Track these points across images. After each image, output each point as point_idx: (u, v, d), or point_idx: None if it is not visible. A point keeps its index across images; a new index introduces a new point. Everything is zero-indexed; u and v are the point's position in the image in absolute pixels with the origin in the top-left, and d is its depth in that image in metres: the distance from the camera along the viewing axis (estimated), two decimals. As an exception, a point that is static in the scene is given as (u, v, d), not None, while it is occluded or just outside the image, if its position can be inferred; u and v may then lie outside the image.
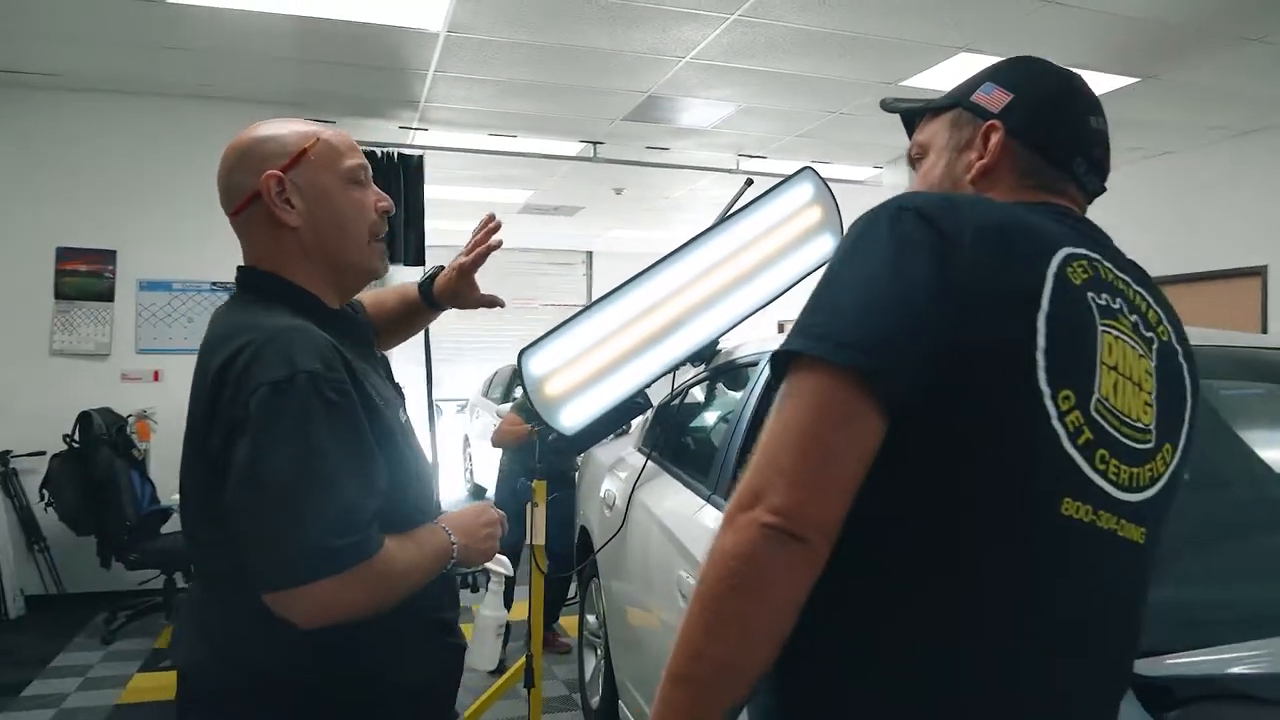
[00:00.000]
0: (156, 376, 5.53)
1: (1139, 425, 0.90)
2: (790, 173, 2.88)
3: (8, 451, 5.19)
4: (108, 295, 5.48)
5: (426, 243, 6.31)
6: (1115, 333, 0.90)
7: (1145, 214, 6.79)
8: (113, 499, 4.71)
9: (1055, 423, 0.84)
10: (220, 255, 5.32)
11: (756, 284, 2.87)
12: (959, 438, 0.85)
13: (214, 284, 5.64)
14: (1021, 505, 0.85)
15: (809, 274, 2.91)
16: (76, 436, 4.84)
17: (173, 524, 4.88)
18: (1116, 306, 0.92)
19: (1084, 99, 1.05)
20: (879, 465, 0.84)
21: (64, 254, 5.45)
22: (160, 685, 4.03)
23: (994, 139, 1.03)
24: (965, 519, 0.85)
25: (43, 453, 4.97)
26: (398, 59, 5.02)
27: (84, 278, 5.46)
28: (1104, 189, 1.07)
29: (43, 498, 4.84)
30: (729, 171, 7.09)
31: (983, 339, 0.84)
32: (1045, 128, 1.03)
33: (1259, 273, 6.21)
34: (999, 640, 0.85)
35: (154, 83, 5.38)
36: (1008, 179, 1.03)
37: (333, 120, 6.03)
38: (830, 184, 2.85)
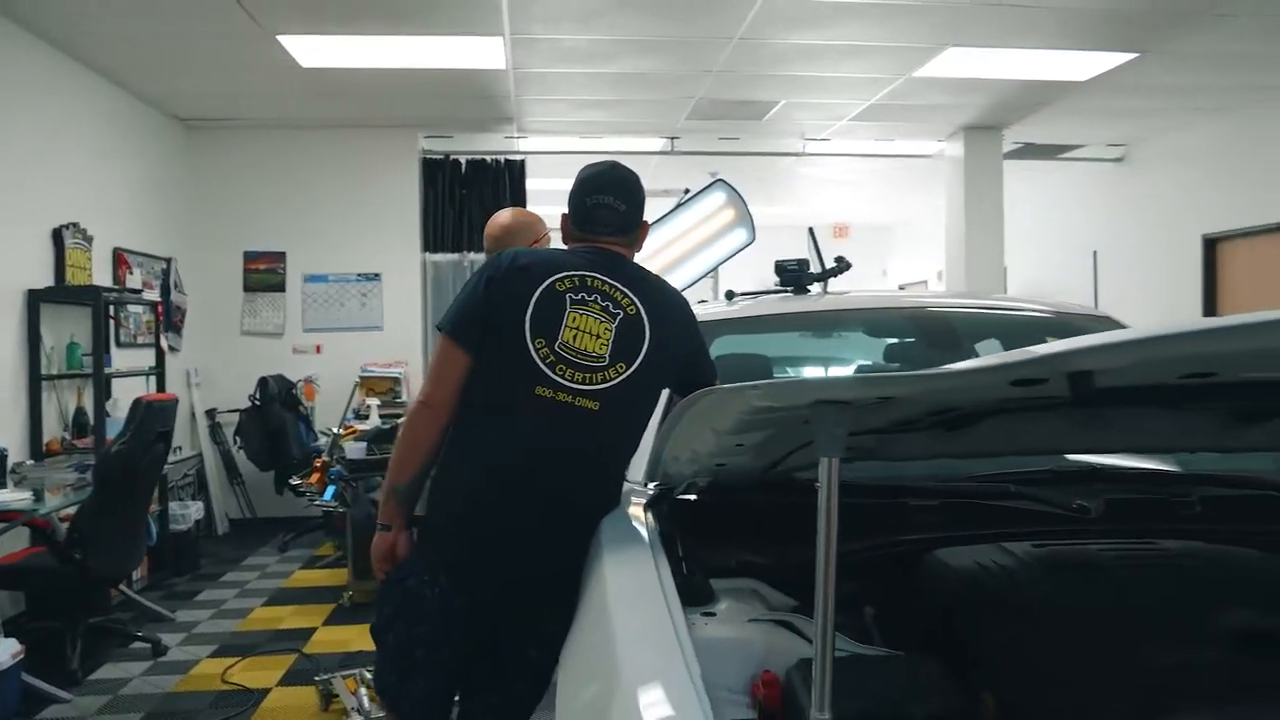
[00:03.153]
0: (318, 349, 7.05)
1: (592, 354, 1.88)
2: (706, 184, 3.82)
3: (213, 409, 6.84)
4: (280, 287, 7.04)
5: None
6: (581, 311, 1.88)
7: (1220, 168, 7.14)
8: (283, 443, 6.22)
9: (532, 353, 1.85)
10: (365, 251, 6.82)
11: (687, 266, 3.85)
12: (494, 360, 1.87)
13: (359, 274, 7.08)
14: (515, 388, 1.86)
15: (727, 259, 3.85)
16: (258, 396, 6.38)
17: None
18: (591, 299, 1.90)
19: (590, 185, 2.01)
20: (470, 372, 1.88)
21: (249, 255, 7.04)
22: (315, 578, 5.47)
23: (561, 219, 2.04)
24: (494, 393, 1.88)
25: (237, 410, 6.56)
26: (486, 89, 6.20)
27: (263, 274, 7.04)
28: (626, 232, 2.03)
29: (236, 443, 6.44)
30: (796, 155, 7.89)
31: (504, 320, 1.86)
32: (572, 208, 2.02)
33: (1302, 227, 6.41)
34: (501, 450, 1.87)
35: (309, 119, 6.83)
36: (570, 236, 2.03)
37: (451, 135, 7.36)
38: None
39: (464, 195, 7.42)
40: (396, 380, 6.70)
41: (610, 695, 1.22)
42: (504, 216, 3.10)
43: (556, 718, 1.46)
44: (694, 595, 1.47)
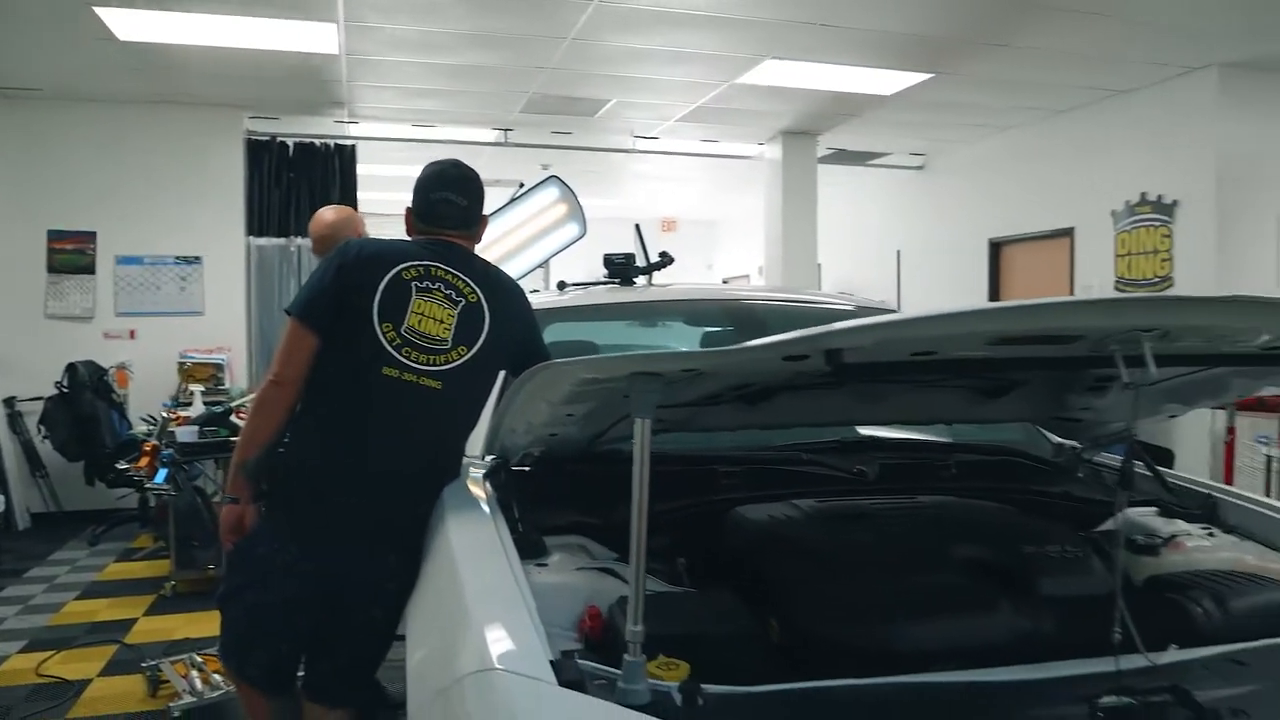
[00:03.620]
0: (132, 335, 6.75)
1: (436, 338, 2.04)
2: (540, 180, 4.00)
3: (13, 398, 6.44)
4: (90, 269, 6.69)
5: (361, 212, 7.42)
6: (426, 298, 2.04)
7: (1003, 179, 7.94)
8: (95, 432, 5.95)
9: (380, 336, 1.99)
10: (184, 234, 6.58)
11: (522, 257, 4.02)
12: (343, 341, 2.00)
13: (177, 257, 6.83)
14: (363, 368, 2.00)
15: (560, 251, 4.04)
16: (66, 383, 6.06)
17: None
18: (435, 287, 2.06)
19: (434, 182, 2.18)
20: (318, 352, 1.99)
21: (54, 235, 6.65)
22: (132, 570, 5.29)
23: (405, 212, 2.19)
24: (343, 372, 2.01)
25: (40, 398, 6.20)
26: (316, 73, 6.12)
27: (70, 255, 6.67)
28: (467, 226, 2.20)
29: (39, 432, 6.10)
30: (627, 151, 8.18)
31: (352, 304, 2.00)
32: (416, 203, 2.17)
33: (1067, 234, 7.25)
34: (350, 425, 2.01)
35: (125, 93, 6.51)
36: (414, 229, 2.18)
37: (278, 117, 7.20)
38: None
39: (291, 179, 7.27)
40: (219, 367, 6.52)
41: (460, 636, 1.40)
42: (329, 214, 3.43)
43: (408, 664, 1.62)
44: (529, 550, 1.67)
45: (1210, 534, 1.97)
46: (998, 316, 1.17)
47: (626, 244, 3.45)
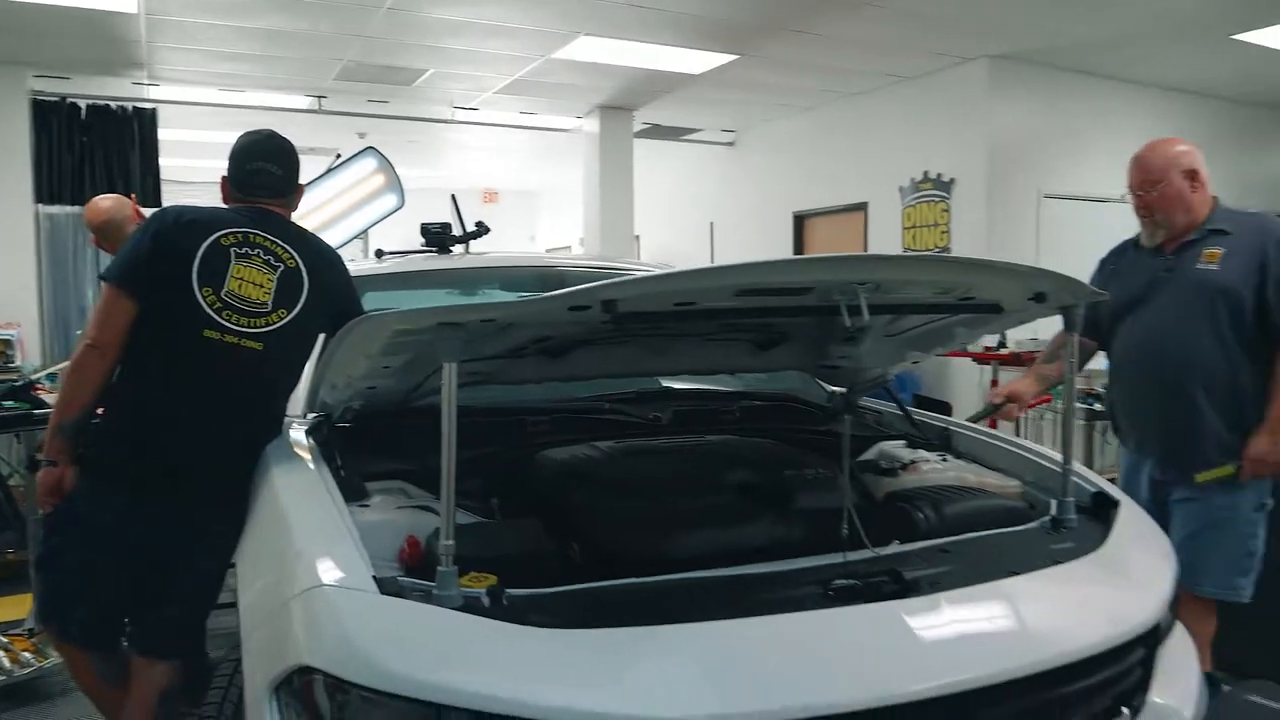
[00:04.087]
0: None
1: (256, 302, 2.14)
2: (357, 151, 4.06)
3: None
4: None
5: (163, 178, 7.14)
6: (245, 263, 2.14)
7: (805, 156, 8.45)
8: None
9: (200, 300, 2.07)
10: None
11: (340, 227, 4.07)
12: (163, 306, 2.07)
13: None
14: (185, 332, 2.08)
15: (378, 221, 4.12)
16: None
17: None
18: (254, 253, 2.15)
19: (250, 151, 2.27)
20: (137, 316, 2.06)
21: None
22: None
23: (221, 181, 2.26)
24: (164, 336, 2.08)
25: None
26: (112, 31, 5.82)
27: None
28: (283, 195, 2.29)
29: None
30: (446, 122, 8.19)
31: (171, 270, 2.07)
32: (231, 172, 2.26)
33: (861, 208, 7.86)
34: (173, 386, 2.09)
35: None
36: (230, 197, 2.26)
37: (69, 76, 6.78)
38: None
39: (85, 143, 6.86)
40: (8, 343, 6.13)
41: (290, 567, 1.55)
42: (105, 202, 3.49)
43: (240, 605, 1.74)
44: (351, 493, 1.82)
45: (944, 459, 2.35)
46: (738, 272, 1.43)
47: (446, 214, 3.58)
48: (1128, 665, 1.57)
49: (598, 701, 1.22)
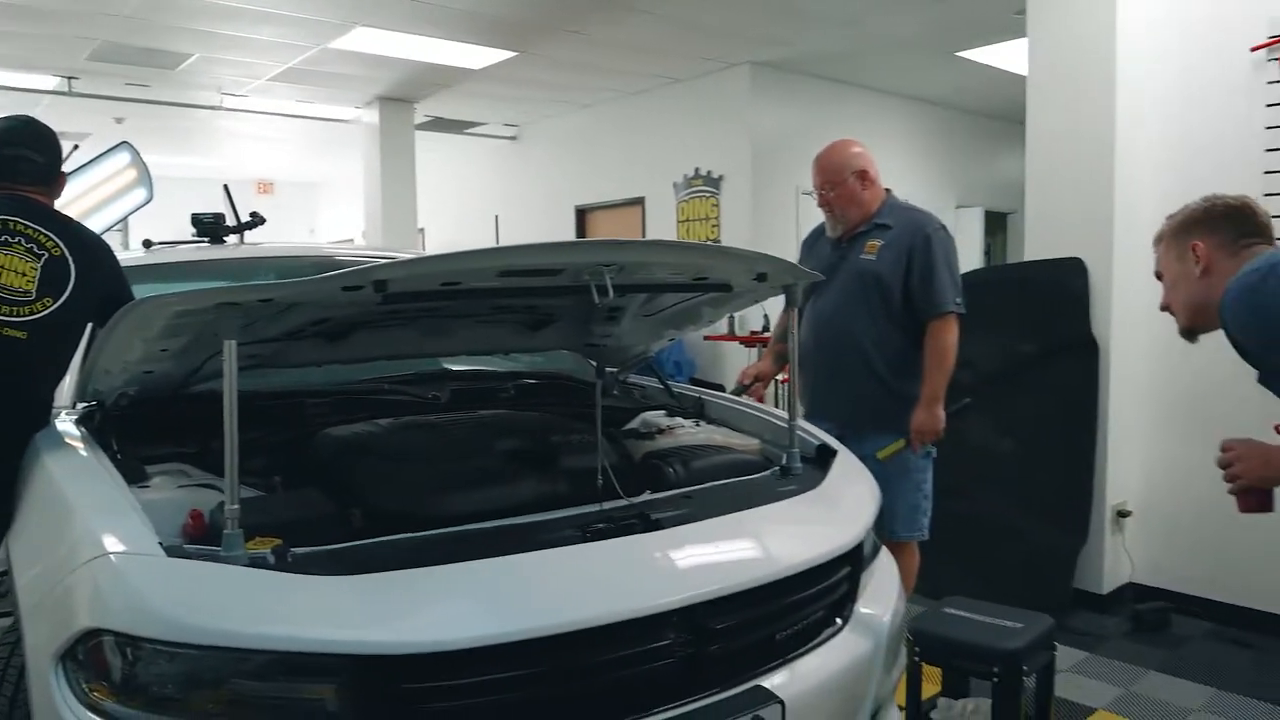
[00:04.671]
0: None
1: (19, 290, 2.12)
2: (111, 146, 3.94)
3: None
4: None
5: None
6: (7, 251, 2.11)
7: (586, 152, 8.70)
8: None
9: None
10: None
11: (92, 220, 3.91)
12: None
13: None
14: None
15: (129, 214, 4.01)
16: None
17: None
18: (15, 240, 2.13)
19: (8, 137, 2.23)
20: None
21: None
22: None
23: None
24: None
25: None
26: None
27: None
28: (45, 182, 2.27)
29: None
30: (213, 109, 7.86)
31: None
32: None
33: (639, 203, 8.25)
34: None
35: None
36: None
37: None
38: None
39: None
40: None
41: (75, 545, 1.58)
42: None
43: (17, 587, 1.74)
44: (131, 476, 1.86)
45: (697, 424, 2.65)
46: (498, 254, 1.62)
47: (219, 205, 3.54)
48: (835, 580, 1.89)
49: (372, 634, 1.37)
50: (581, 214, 8.97)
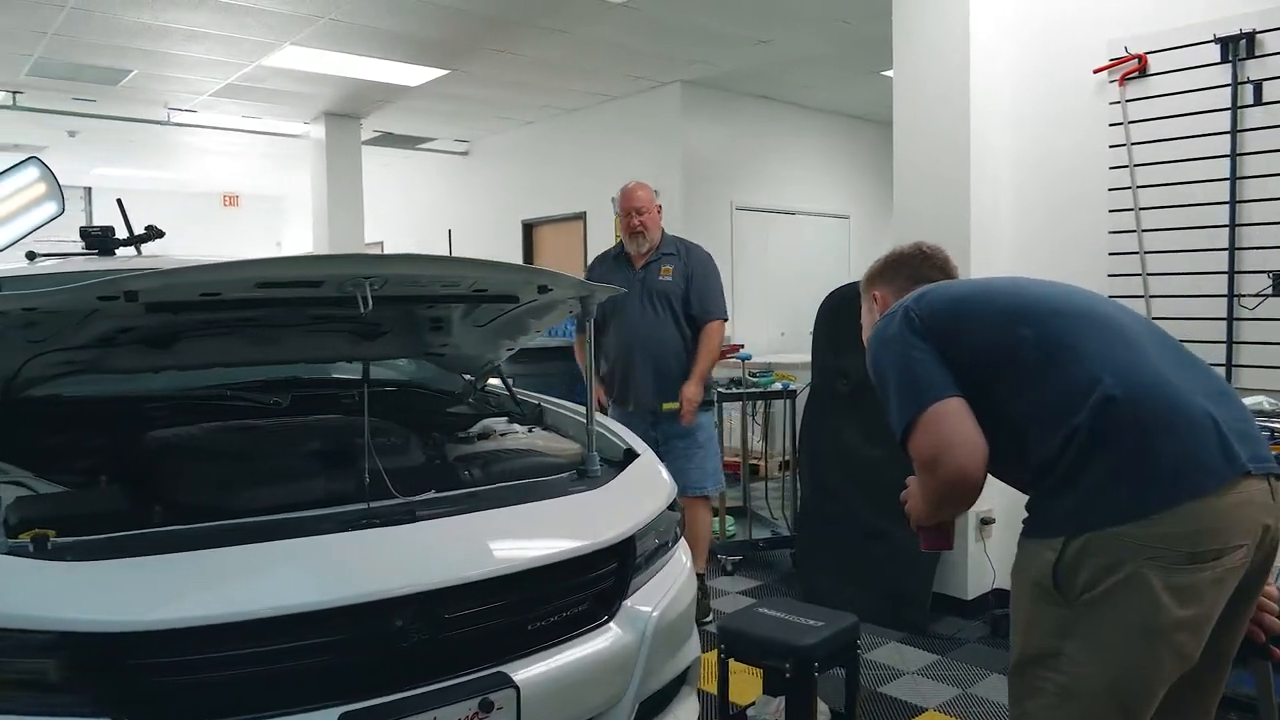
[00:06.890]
0: None
1: None
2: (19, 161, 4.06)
3: None
4: None
5: None
6: None
7: (531, 167, 8.86)
8: None
9: None
10: None
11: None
12: None
13: None
14: None
15: (39, 228, 4.13)
16: None
17: None
18: None
19: None
20: None
21: None
22: None
23: None
24: None
25: None
26: None
27: None
28: None
29: None
30: (161, 123, 8.01)
31: None
32: None
33: (581, 217, 8.40)
34: None
35: None
36: None
37: None
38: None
39: None
40: None
41: None
42: None
43: None
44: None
45: (530, 430, 2.79)
46: (253, 266, 1.75)
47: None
48: (596, 575, 2.02)
49: (83, 613, 1.50)
50: (529, 228, 9.13)
